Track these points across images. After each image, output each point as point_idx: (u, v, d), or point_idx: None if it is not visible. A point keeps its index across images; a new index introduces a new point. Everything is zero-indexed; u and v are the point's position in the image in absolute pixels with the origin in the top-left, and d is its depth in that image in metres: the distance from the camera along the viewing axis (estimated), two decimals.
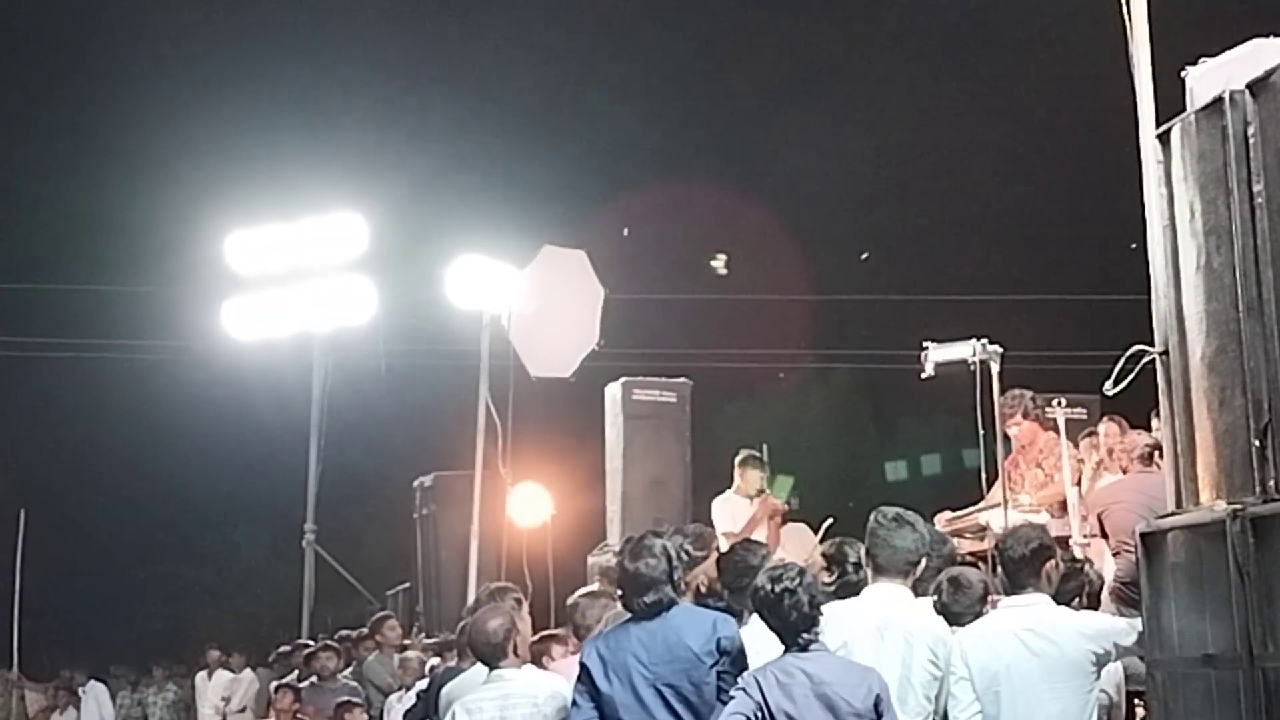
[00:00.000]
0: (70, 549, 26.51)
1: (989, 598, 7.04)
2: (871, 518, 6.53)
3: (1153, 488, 8.43)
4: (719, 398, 20.69)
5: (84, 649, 20.82)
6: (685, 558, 6.67)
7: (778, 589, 5.87)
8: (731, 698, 5.89)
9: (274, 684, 14.23)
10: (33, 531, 22.63)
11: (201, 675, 18.21)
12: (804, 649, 5.88)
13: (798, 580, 5.90)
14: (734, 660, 6.11)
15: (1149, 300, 6.85)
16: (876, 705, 5.75)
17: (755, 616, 6.72)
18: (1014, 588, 6.52)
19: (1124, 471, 9.77)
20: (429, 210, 23.13)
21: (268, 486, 23.44)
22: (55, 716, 19.69)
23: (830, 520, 11.40)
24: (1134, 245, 7.02)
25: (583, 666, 6.36)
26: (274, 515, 22.27)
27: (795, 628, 5.87)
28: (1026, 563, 6.49)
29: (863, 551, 6.70)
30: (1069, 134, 21.41)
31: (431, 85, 28.73)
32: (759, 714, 5.77)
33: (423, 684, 9.88)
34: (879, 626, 6.20)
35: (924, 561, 6.54)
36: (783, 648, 5.93)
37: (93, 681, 19.26)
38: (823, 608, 6.31)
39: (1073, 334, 21.58)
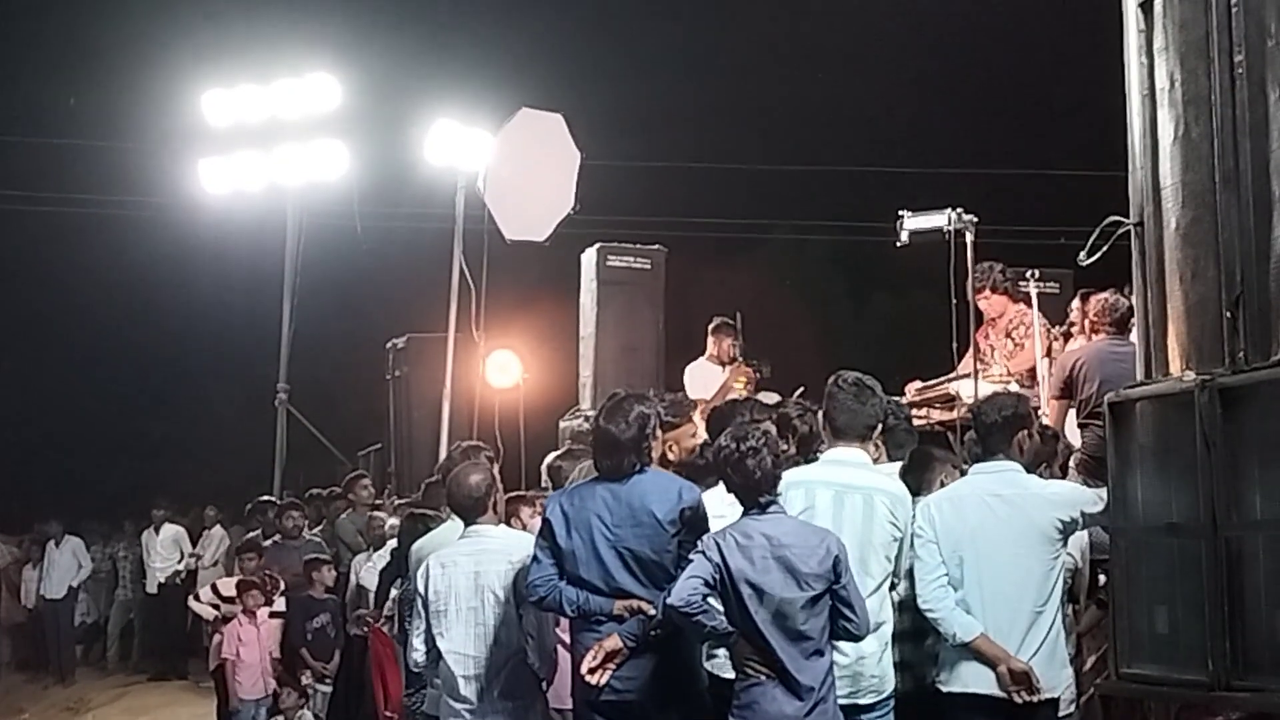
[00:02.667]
0: (42, 405, 26.53)
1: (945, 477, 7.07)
2: (830, 381, 6.52)
3: (1122, 357, 8.46)
4: (694, 265, 20.63)
5: (55, 504, 20.84)
6: (658, 421, 6.63)
7: (743, 447, 5.87)
8: (690, 561, 5.92)
9: (245, 539, 14.37)
10: (2, 387, 22.68)
11: (149, 532, 18.33)
12: (763, 510, 5.90)
13: (763, 440, 5.90)
14: (696, 530, 6.09)
15: (1125, 173, 6.81)
16: (835, 567, 5.79)
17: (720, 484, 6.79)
18: (985, 454, 6.54)
19: (1093, 335, 9.74)
20: (405, 72, 22.88)
21: (241, 345, 23.42)
22: (27, 570, 19.84)
23: (801, 388, 11.45)
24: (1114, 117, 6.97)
25: (545, 521, 6.35)
26: (247, 373, 22.22)
27: (757, 487, 5.89)
28: (999, 429, 6.50)
29: (820, 415, 6.72)
30: (1049, 1, 21.21)
31: None
32: (717, 576, 5.80)
33: (393, 543, 9.94)
34: (837, 490, 6.22)
35: (880, 427, 6.56)
36: (741, 509, 5.96)
37: (68, 535, 19.36)
38: (784, 474, 6.35)
39: (1048, 206, 21.57)
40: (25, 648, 20.16)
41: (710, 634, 5.89)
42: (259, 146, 17.98)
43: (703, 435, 7.19)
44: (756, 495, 5.90)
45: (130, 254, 26.30)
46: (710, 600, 5.78)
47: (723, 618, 5.81)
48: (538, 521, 7.20)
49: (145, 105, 23.28)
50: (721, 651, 6.41)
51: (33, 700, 18.45)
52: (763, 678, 5.79)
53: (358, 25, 23.57)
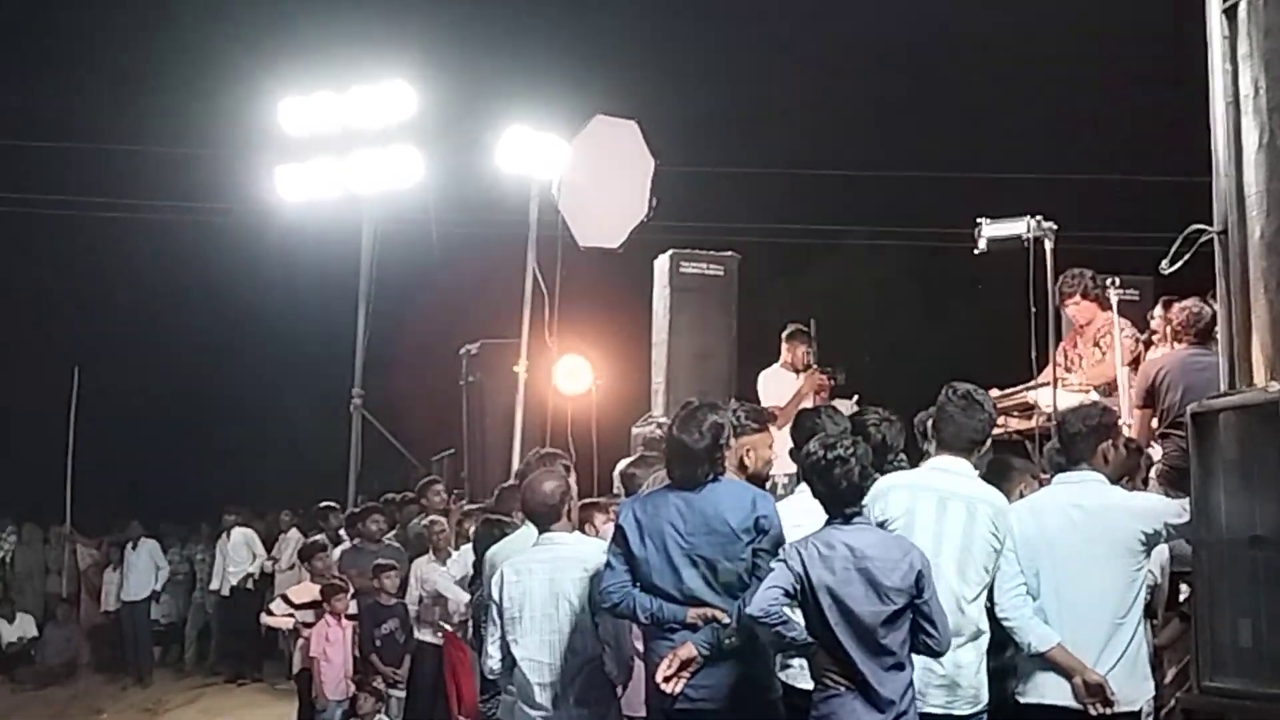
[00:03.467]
0: (121, 408, 26.77)
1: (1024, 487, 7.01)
2: (942, 392, 6.48)
3: (1204, 366, 8.35)
4: (767, 272, 20.57)
5: (133, 507, 21.07)
6: (736, 425, 6.59)
7: (830, 455, 5.83)
8: (771, 569, 5.88)
9: (306, 542, 14.48)
10: (85, 390, 22.94)
11: (222, 539, 18.52)
12: (847, 521, 5.85)
13: (851, 450, 5.84)
14: (771, 538, 6.07)
15: (1208, 180, 6.73)
16: (918, 582, 5.73)
17: (797, 490, 6.75)
18: (1069, 463, 6.49)
19: (1176, 343, 9.62)
20: (480, 80, 22.96)
21: (316, 350, 23.56)
22: (107, 572, 20.06)
23: (856, 396, 11.41)
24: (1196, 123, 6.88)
25: (618, 528, 6.34)
26: (322, 379, 22.36)
27: (843, 498, 5.84)
28: (1083, 439, 6.45)
29: (929, 424, 6.68)
30: (1132, 6, 20.95)
31: None
32: (798, 586, 5.76)
33: (466, 548, 9.94)
34: (941, 497, 6.18)
35: (988, 442, 6.52)
36: (825, 518, 5.92)
37: (145, 538, 19.56)
38: (887, 478, 6.32)
39: (1127, 213, 21.33)
40: (104, 649, 20.38)
41: (789, 644, 5.86)
42: (335, 153, 18.08)
43: (780, 447, 7.15)
44: (841, 505, 5.86)
45: (207, 260, 26.57)
46: (790, 610, 5.75)
47: (802, 628, 5.76)
48: (610, 528, 7.22)
49: (223, 112, 23.49)
50: (796, 661, 6.38)
51: (111, 701, 18.67)
52: (842, 689, 5.75)
53: (433, 33, 23.64)
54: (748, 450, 6.71)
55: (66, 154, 25.34)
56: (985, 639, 6.20)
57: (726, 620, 5.99)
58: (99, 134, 25.64)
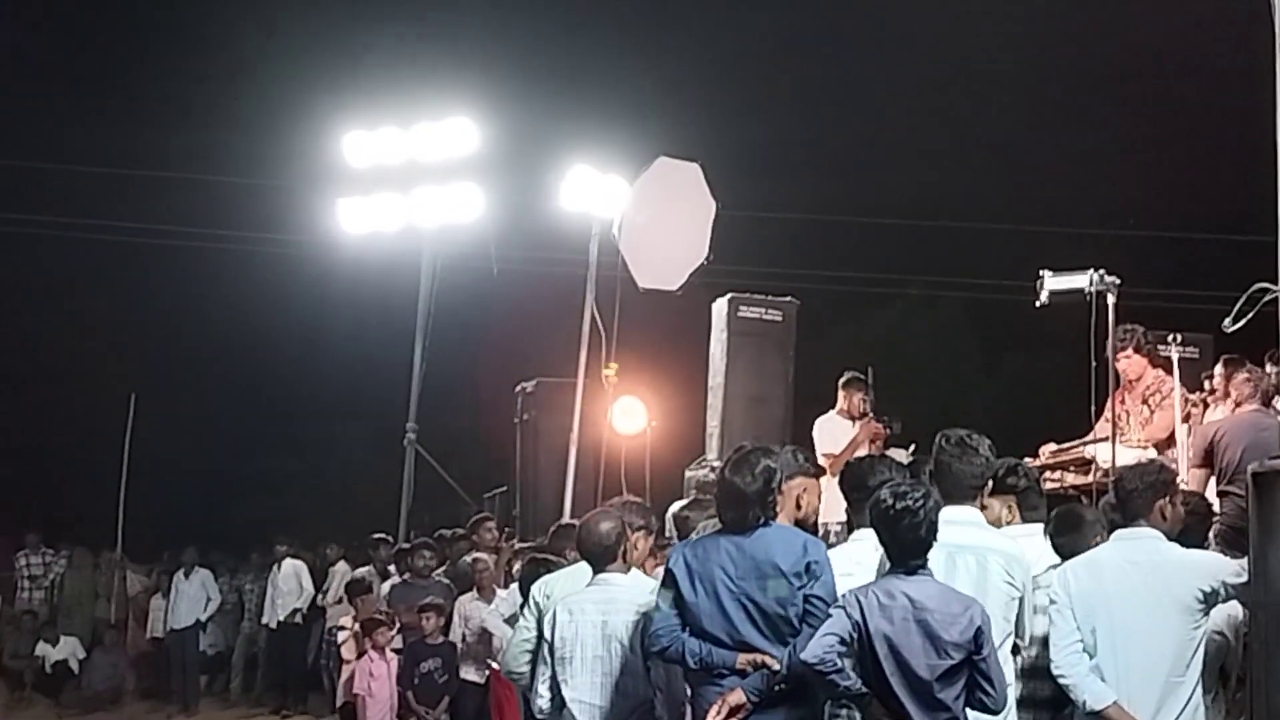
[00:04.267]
0: (176, 436, 26.91)
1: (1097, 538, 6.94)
2: (936, 441, 6.43)
3: (1265, 427, 8.28)
4: (825, 318, 20.55)
5: (184, 535, 21.16)
6: (792, 466, 6.55)
7: (898, 506, 5.77)
8: (824, 615, 5.84)
9: (353, 576, 14.49)
10: (141, 417, 23.10)
11: (272, 570, 18.59)
12: (910, 572, 5.79)
13: (921, 502, 5.77)
14: (822, 584, 6.00)
15: (1275, 239, 6.66)
16: (976, 637, 5.65)
17: (851, 539, 6.69)
18: (1125, 520, 6.42)
19: (1238, 405, 9.57)
20: (543, 118, 23.11)
21: (372, 384, 23.66)
22: (156, 599, 20.12)
23: (914, 446, 11.34)
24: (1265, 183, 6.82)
25: (668, 572, 6.28)
26: (377, 413, 22.46)
27: (907, 548, 5.77)
28: (1140, 495, 6.39)
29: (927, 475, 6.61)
30: (1199, 59, 20.87)
31: None
32: (855, 634, 5.71)
33: (515, 587, 9.91)
34: (949, 551, 6.06)
35: (989, 484, 6.43)
36: (889, 565, 5.87)
37: (198, 567, 19.63)
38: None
39: (1191, 270, 21.21)
40: (150, 677, 20.43)
41: (843, 694, 5.80)
42: (397, 188, 18.19)
43: (833, 495, 7.10)
44: (905, 556, 5.79)
45: (268, 291, 26.77)
46: (845, 659, 5.69)
47: (856, 678, 5.71)
48: (660, 572, 7.23)
49: (288, 145, 23.71)
50: (844, 711, 6.32)
51: None
52: None
53: (497, 71, 23.83)
54: (803, 491, 6.67)
55: (128, 183, 25.63)
56: (1012, 691, 6.10)
57: (776, 666, 5.92)
58: (163, 163, 25.94)
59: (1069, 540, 6.66)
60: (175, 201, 25.42)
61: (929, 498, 5.81)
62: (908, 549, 5.78)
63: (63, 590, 21.11)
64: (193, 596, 19.36)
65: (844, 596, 5.85)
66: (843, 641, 5.68)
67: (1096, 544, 6.69)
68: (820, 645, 5.67)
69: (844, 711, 6.32)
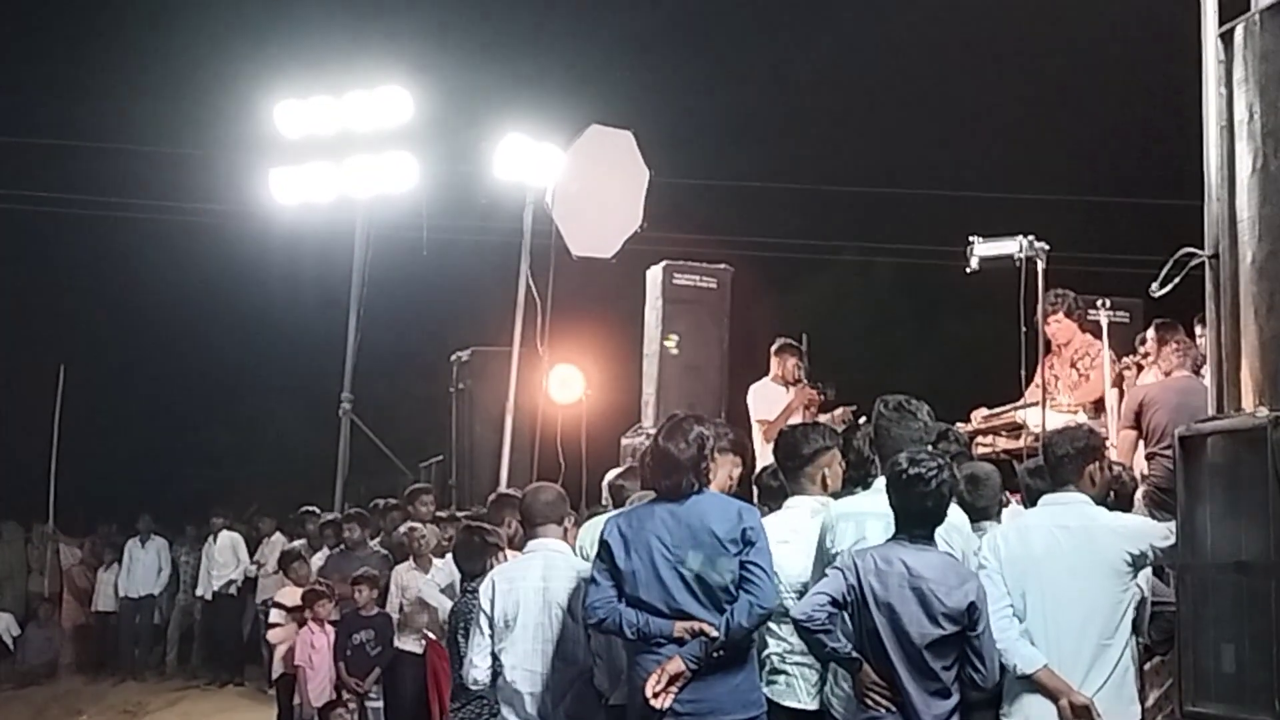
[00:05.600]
0: (107, 408, 26.72)
1: (1005, 493, 7.05)
2: (875, 406, 6.47)
3: (1195, 394, 8.38)
4: (760, 285, 20.57)
5: (117, 507, 21.02)
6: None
7: (911, 473, 5.80)
8: (766, 581, 5.90)
9: (284, 550, 14.45)
10: (70, 389, 22.88)
11: (208, 542, 18.50)
12: (912, 540, 5.83)
13: (934, 473, 5.80)
14: (758, 550, 6.03)
15: (1200, 203, 6.74)
16: (971, 612, 5.70)
17: (785, 506, 6.73)
18: (1055, 485, 6.47)
19: (1168, 374, 9.70)
20: (476, 87, 22.97)
21: (306, 354, 23.51)
22: (100, 572, 19.94)
23: (854, 407, 11.41)
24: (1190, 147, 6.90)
25: (603, 543, 6.30)
26: (312, 383, 22.32)
27: (912, 518, 5.82)
28: (1070, 460, 6.44)
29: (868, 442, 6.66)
30: (1126, 29, 20.99)
31: None
32: (849, 596, 5.73)
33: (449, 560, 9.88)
34: (888, 521, 6.08)
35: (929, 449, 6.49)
36: (894, 531, 5.90)
37: (155, 536, 19.48)
38: (835, 506, 6.29)
39: (1119, 235, 21.40)
40: (85, 650, 20.31)
41: (830, 655, 5.82)
42: (330, 158, 18.05)
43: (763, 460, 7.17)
44: (910, 524, 5.84)
45: (199, 261, 26.52)
46: (836, 622, 5.72)
47: (846, 641, 5.74)
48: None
49: (218, 114, 23.52)
50: (781, 678, 6.38)
51: (91, 702, 18.56)
52: (883, 711, 5.72)
53: (430, 39, 23.69)
54: (826, 466, 6.70)
55: (57, 152, 25.32)
56: None
57: (715, 634, 5.96)
58: (90, 133, 25.65)
59: (977, 498, 6.76)
60: (105, 171, 25.15)
61: (943, 470, 5.83)
62: (913, 517, 5.81)
63: None
64: (149, 565, 19.25)
65: (840, 558, 5.87)
66: (834, 602, 5.71)
67: (1000, 503, 6.77)
68: (810, 603, 5.71)
69: (780, 679, 6.39)
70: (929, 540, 5.85)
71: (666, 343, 13.93)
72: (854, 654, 5.75)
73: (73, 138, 25.31)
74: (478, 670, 6.95)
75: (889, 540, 5.87)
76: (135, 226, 25.78)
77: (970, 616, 5.69)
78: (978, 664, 5.73)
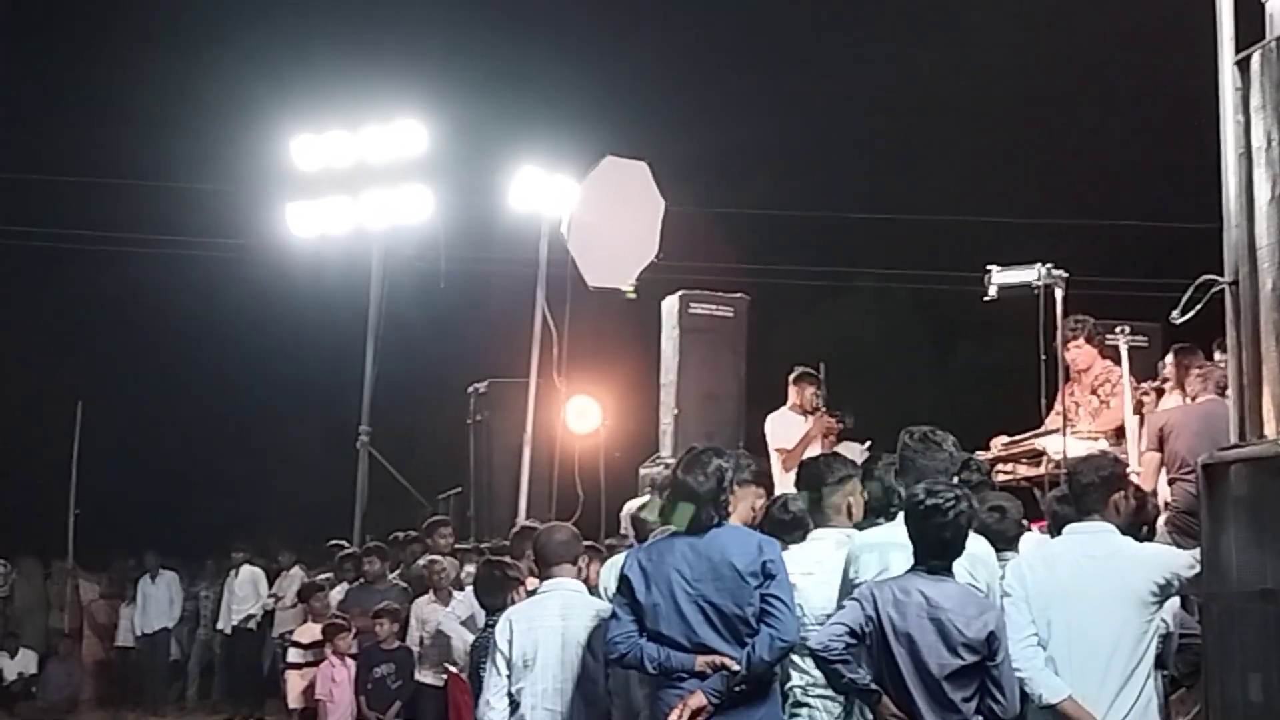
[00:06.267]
0: (126, 443, 26.75)
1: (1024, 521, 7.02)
2: (901, 437, 6.43)
3: (1218, 418, 8.34)
4: (777, 313, 20.56)
5: (136, 542, 21.01)
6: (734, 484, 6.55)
7: (928, 504, 5.76)
8: (786, 614, 5.87)
9: (305, 583, 14.42)
10: (89, 425, 22.92)
11: (229, 576, 18.49)
12: (931, 572, 5.79)
13: (951, 504, 5.75)
14: (778, 583, 6.01)
15: (1218, 227, 6.72)
16: (990, 642, 5.66)
17: (810, 538, 6.70)
18: (1080, 514, 6.44)
19: (1192, 399, 9.66)
20: (491, 119, 23.05)
21: (324, 387, 23.55)
22: (122, 607, 19.93)
23: (869, 442, 11.37)
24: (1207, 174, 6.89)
25: (623, 577, 6.29)
26: (328, 415, 22.38)
27: (931, 548, 5.78)
28: (1095, 489, 6.41)
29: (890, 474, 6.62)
30: (1144, 57, 20.98)
31: None
32: (866, 627, 5.69)
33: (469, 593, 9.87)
34: (910, 553, 6.00)
35: (954, 481, 6.46)
36: (913, 562, 5.86)
37: (163, 569, 19.48)
38: (859, 538, 6.26)
39: (1138, 261, 21.35)
40: (105, 686, 20.28)
41: (848, 686, 5.77)
42: (346, 191, 18.12)
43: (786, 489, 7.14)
44: (929, 555, 5.80)
45: (216, 295, 26.58)
46: (855, 652, 5.69)
47: (865, 671, 5.70)
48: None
49: (235, 148, 23.57)
50: (804, 711, 6.35)
51: None
52: None
53: (446, 72, 23.76)
54: (849, 496, 6.66)
55: (75, 189, 25.40)
56: None
57: (736, 667, 5.93)
58: (108, 169, 25.72)
59: (1001, 526, 6.74)
60: (122, 207, 25.23)
61: (961, 501, 5.78)
62: (932, 548, 5.76)
63: (12, 602, 20.92)
64: (160, 600, 19.23)
65: (858, 590, 5.84)
66: (853, 634, 5.67)
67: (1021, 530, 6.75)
68: (828, 634, 5.67)
69: (804, 710, 6.35)
70: (947, 571, 5.81)
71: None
72: (873, 686, 5.70)
73: (89, 174, 25.40)
74: (494, 712, 6.88)
75: (907, 571, 5.83)
76: (152, 261, 25.84)
77: (990, 646, 5.65)
78: (997, 695, 5.68)
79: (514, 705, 6.83)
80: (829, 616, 6.22)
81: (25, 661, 20.05)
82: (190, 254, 25.65)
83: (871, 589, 5.79)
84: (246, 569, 18.30)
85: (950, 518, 5.72)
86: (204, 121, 26.36)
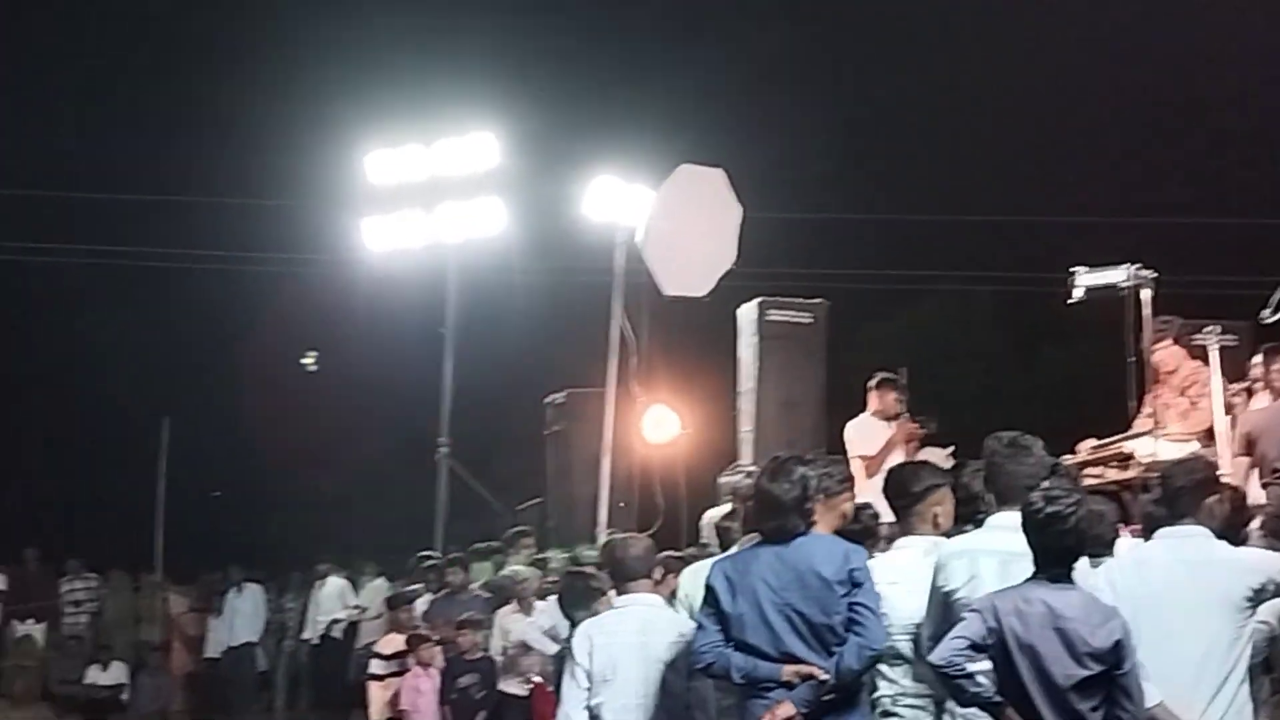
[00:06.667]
0: (209, 458, 27.00)
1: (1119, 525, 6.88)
2: (987, 444, 6.30)
3: None
4: (857, 319, 20.43)
5: (222, 554, 21.19)
6: (822, 491, 6.48)
7: (1047, 511, 5.59)
8: (873, 622, 5.83)
9: (394, 593, 14.46)
10: (174, 440, 23.18)
11: (315, 587, 18.59)
12: (1053, 580, 5.67)
13: (1072, 509, 5.60)
14: (865, 591, 5.96)
15: None
16: (1117, 649, 5.52)
17: (894, 547, 6.61)
18: (1173, 518, 6.31)
19: (1277, 397, 9.48)
20: (565, 130, 23.06)
21: (402, 400, 23.67)
22: (210, 619, 20.10)
23: (953, 447, 11.22)
24: None
25: (709, 587, 6.25)
26: (408, 428, 22.50)
27: (1051, 556, 5.63)
28: (1188, 493, 6.29)
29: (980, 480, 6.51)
30: (1232, 47, 20.70)
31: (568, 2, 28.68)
32: (991, 641, 5.59)
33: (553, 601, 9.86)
34: (1003, 558, 5.90)
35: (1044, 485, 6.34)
36: (1034, 571, 5.73)
37: (247, 582, 19.63)
38: (948, 546, 6.16)
39: (1226, 259, 21.02)
40: (195, 697, 20.44)
41: (973, 700, 5.66)
42: (420, 205, 18.19)
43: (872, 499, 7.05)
44: (1050, 564, 5.68)
45: (295, 311, 26.77)
46: (976, 664, 5.59)
47: (989, 684, 5.60)
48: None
49: (310, 165, 23.72)
50: None
51: None
52: None
53: (518, 83, 23.79)
54: (937, 504, 6.58)
55: (155, 207, 25.66)
56: None
57: (825, 676, 5.88)
58: (188, 186, 26.01)
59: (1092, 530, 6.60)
60: (201, 225, 25.48)
61: (1081, 506, 5.64)
62: (1052, 556, 5.63)
63: (102, 615, 21.15)
64: (247, 613, 19.37)
65: (979, 601, 5.74)
66: (974, 646, 5.56)
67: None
68: (949, 648, 5.56)
69: None
70: (1069, 579, 5.68)
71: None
72: (996, 698, 5.59)
73: (169, 193, 25.65)
74: None
75: (1027, 580, 5.70)
76: (233, 278, 26.10)
77: (1116, 655, 5.51)
78: (1124, 702, 5.53)
79: (594, 719, 6.81)
80: (916, 626, 6.14)
81: (117, 673, 20.24)
82: (269, 270, 25.87)
83: (993, 599, 5.67)
84: (332, 580, 18.42)
85: (1071, 524, 5.60)
86: (281, 139, 26.58)
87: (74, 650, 20.55)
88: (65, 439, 28.81)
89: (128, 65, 29.38)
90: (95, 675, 20.16)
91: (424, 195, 18.16)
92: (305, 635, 18.92)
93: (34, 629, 20.96)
